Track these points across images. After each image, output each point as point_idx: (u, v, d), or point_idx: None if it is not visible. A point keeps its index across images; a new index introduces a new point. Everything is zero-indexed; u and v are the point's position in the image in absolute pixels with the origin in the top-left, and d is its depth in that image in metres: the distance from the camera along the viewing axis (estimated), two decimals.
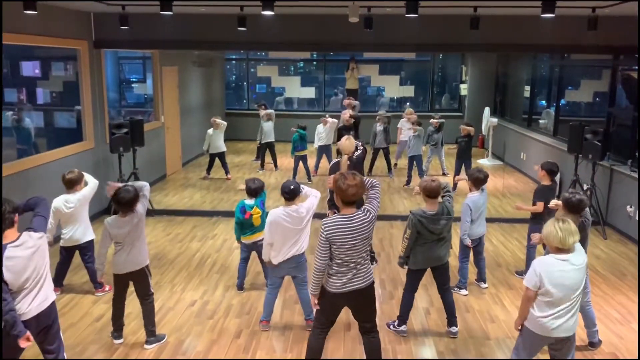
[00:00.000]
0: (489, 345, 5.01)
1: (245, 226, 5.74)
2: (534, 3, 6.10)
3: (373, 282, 4.07)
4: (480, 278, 6.19)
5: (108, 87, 9.33)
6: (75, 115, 8.62)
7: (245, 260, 6.03)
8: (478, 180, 5.80)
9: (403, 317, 5.14)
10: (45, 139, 8.88)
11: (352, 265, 3.90)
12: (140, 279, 4.81)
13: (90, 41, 8.39)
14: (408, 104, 16.53)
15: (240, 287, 6.05)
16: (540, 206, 5.98)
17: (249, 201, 5.69)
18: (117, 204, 4.65)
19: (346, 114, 10.78)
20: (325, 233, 3.83)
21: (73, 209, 5.65)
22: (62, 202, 5.65)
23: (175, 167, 11.89)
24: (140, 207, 4.74)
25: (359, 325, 4.22)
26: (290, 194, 4.99)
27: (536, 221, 6.02)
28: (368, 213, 3.90)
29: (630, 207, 7.82)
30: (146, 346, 4.88)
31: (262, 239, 5.54)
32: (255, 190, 5.69)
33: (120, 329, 4.96)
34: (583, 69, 11.76)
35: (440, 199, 4.92)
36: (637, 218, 7.63)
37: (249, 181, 5.75)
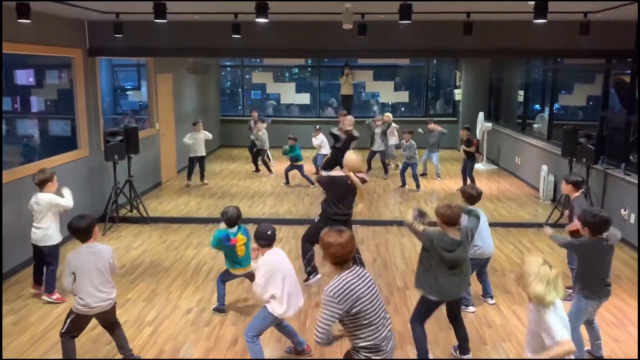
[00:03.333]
0: (486, 350, 5.01)
1: (231, 257, 5.39)
2: (527, 8, 6.14)
3: None
4: (487, 293, 5.99)
5: (103, 95, 9.32)
6: (69, 123, 8.61)
7: (223, 282, 5.62)
8: (471, 197, 5.59)
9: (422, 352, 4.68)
10: (40, 148, 8.86)
11: (385, 325, 3.39)
12: (109, 315, 4.52)
13: (84, 49, 8.38)
14: (402, 109, 16.62)
15: (221, 307, 5.63)
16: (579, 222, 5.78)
17: (232, 230, 5.31)
18: (71, 230, 4.40)
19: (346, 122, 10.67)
20: (337, 300, 3.20)
21: (41, 208, 5.71)
22: (33, 199, 5.75)
23: (170, 174, 11.87)
24: (107, 252, 4.45)
25: None
26: (269, 240, 4.50)
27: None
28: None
29: (625, 210, 7.85)
30: None
31: (249, 272, 5.31)
32: (234, 220, 5.25)
33: None
34: (576, 73, 11.83)
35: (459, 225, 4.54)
36: (633, 222, 7.66)
37: (224, 212, 5.30)
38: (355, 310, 3.24)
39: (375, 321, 3.30)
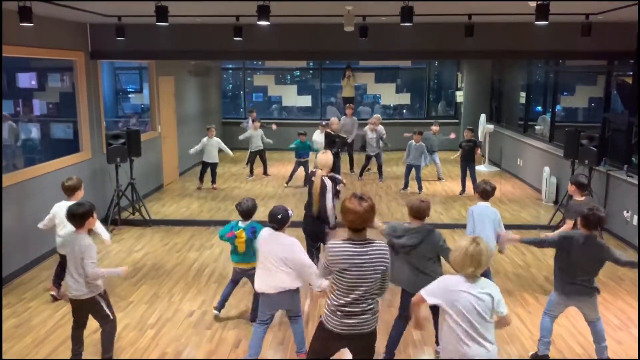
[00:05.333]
0: None
1: (233, 250, 5.34)
2: (528, 10, 6.14)
3: (375, 329, 3.61)
4: None
5: (105, 97, 9.34)
6: (71, 126, 8.63)
7: (233, 282, 5.56)
8: (485, 192, 5.60)
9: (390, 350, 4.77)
10: (42, 150, 8.88)
11: (356, 302, 3.46)
12: (90, 308, 4.54)
13: (86, 52, 8.40)
14: (404, 111, 16.63)
15: (219, 308, 5.58)
16: (569, 225, 5.69)
17: (242, 223, 5.26)
18: (67, 215, 4.51)
19: (335, 122, 10.83)
20: (329, 254, 3.44)
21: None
22: (61, 207, 5.65)
23: (172, 177, 11.87)
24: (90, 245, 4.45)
25: None
26: (279, 223, 4.57)
27: None
28: (387, 250, 3.50)
29: (627, 212, 7.83)
30: None
31: (254, 269, 5.18)
32: (248, 212, 5.20)
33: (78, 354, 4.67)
34: (578, 74, 11.82)
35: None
36: (634, 223, 7.64)
37: (238, 204, 5.27)
38: (338, 274, 3.45)
39: (345, 291, 3.46)
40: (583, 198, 5.83)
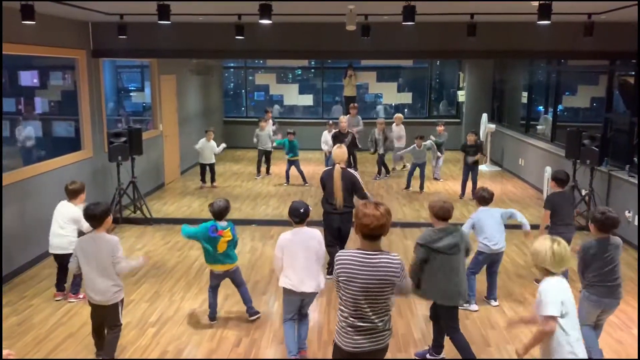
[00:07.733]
0: (489, 352, 5.00)
1: (210, 252, 5.21)
2: (530, 10, 6.13)
3: (387, 346, 3.44)
4: (490, 295, 5.97)
5: (106, 96, 9.34)
6: (73, 124, 8.63)
7: (214, 288, 5.49)
8: (482, 199, 5.82)
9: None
10: (44, 149, 8.88)
11: (372, 317, 3.28)
12: (110, 313, 4.51)
13: (88, 50, 8.40)
14: (406, 110, 16.61)
15: (213, 317, 5.50)
16: (546, 215, 6.07)
17: (221, 223, 5.23)
18: (85, 216, 4.48)
19: (343, 120, 10.88)
20: (335, 267, 3.32)
21: (68, 218, 5.73)
22: (63, 208, 5.79)
23: (173, 176, 11.88)
24: (116, 250, 4.43)
25: None
26: (301, 217, 4.62)
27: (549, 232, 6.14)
28: (399, 265, 3.27)
29: (629, 212, 7.82)
30: None
31: (233, 269, 5.33)
32: (220, 212, 5.20)
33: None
34: (580, 74, 11.80)
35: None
36: (635, 223, 7.64)
37: (212, 204, 5.28)
38: (342, 284, 3.30)
39: (350, 304, 3.29)
40: (563, 190, 6.22)
